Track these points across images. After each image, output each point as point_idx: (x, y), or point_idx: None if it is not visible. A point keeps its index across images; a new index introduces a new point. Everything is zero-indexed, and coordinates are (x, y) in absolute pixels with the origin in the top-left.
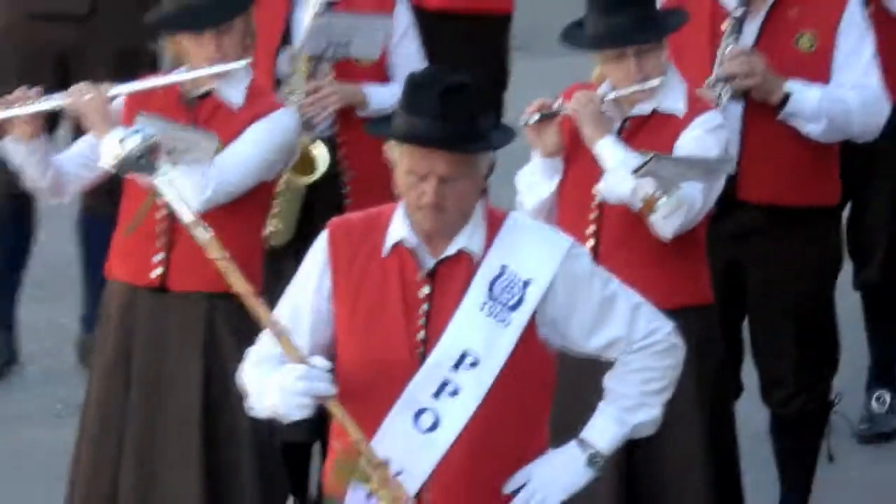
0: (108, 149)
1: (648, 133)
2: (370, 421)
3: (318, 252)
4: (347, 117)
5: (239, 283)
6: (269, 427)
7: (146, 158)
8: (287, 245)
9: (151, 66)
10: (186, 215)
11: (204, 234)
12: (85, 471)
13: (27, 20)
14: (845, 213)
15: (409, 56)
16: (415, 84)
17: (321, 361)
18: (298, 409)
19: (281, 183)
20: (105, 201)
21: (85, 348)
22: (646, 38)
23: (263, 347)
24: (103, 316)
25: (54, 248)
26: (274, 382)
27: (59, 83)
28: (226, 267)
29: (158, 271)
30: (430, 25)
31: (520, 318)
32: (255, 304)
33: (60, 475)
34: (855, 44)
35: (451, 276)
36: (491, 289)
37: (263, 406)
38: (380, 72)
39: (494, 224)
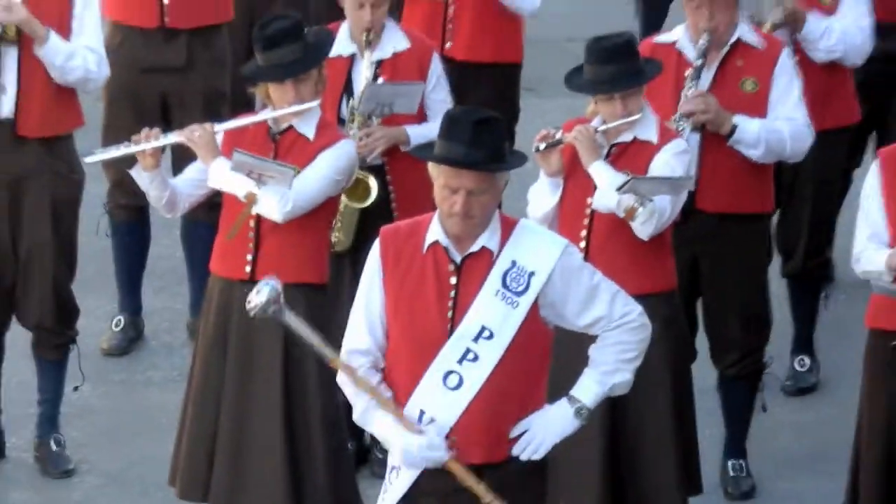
0: (252, 297)
1: (629, 157)
2: (410, 380)
3: (374, 253)
4: (394, 152)
5: (325, 352)
6: (333, 387)
7: (275, 304)
8: (346, 251)
9: (247, 105)
10: (295, 321)
11: (287, 315)
12: (191, 423)
13: (137, 73)
14: (775, 217)
15: (440, 101)
16: (451, 118)
17: (434, 431)
18: (417, 468)
19: (342, 206)
20: (204, 214)
21: (193, 328)
22: (631, 85)
23: (351, 344)
24: (206, 303)
25: (167, 250)
26: (392, 434)
27: (163, 121)
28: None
29: (248, 268)
30: (458, 72)
31: (526, 302)
32: (331, 354)
33: (174, 426)
34: (786, 87)
35: (474, 268)
36: (504, 278)
37: (365, 426)
38: (418, 114)
39: (507, 228)
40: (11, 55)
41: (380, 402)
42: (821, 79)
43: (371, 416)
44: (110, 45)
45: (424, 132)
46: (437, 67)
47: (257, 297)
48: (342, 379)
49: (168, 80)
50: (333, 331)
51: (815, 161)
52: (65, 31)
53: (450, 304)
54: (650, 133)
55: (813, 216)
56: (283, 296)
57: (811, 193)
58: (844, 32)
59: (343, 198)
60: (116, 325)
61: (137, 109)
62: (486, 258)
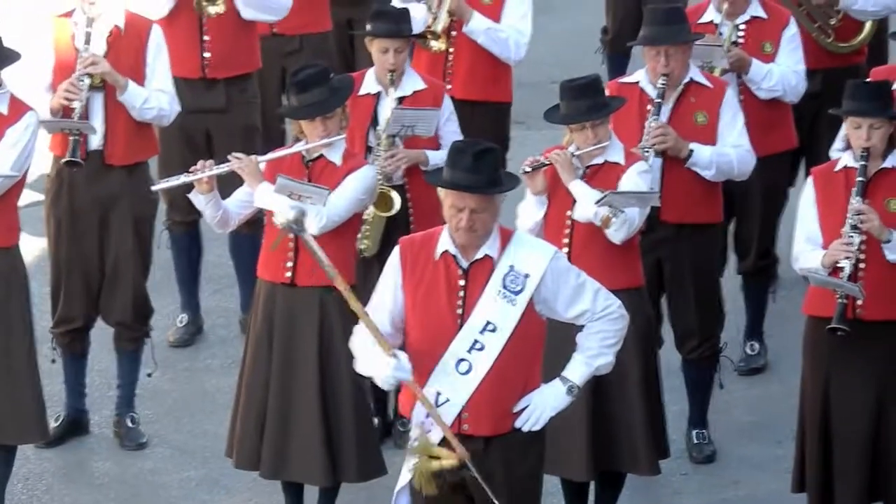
0: (279, 214)
1: (602, 176)
2: (427, 366)
3: (393, 260)
4: (413, 171)
5: (352, 302)
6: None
7: (299, 223)
8: (373, 256)
9: (280, 138)
10: (328, 266)
11: (334, 273)
12: (243, 404)
13: (185, 113)
14: (732, 226)
15: (452, 132)
16: (456, 149)
17: (403, 355)
18: (390, 386)
19: (369, 216)
20: (247, 228)
21: (244, 323)
22: (598, 116)
23: (363, 330)
24: (254, 302)
25: (220, 259)
26: (375, 365)
27: (208, 153)
28: (345, 292)
29: (289, 273)
30: (457, 109)
31: (522, 299)
32: (360, 310)
33: (230, 405)
34: (731, 119)
35: (479, 272)
36: (504, 280)
37: (365, 372)
38: (434, 141)
39: (505, 238)
40: (99, 99)
41: (364, 322)
42: (764, 113)
43: (366, 357)
44: None
45: (440, 155)
46: (448, 104)
47: (284, 216)
48: (353, 337)
49: (211, 120)
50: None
51: (762, 180)
52: (140, 77)
53: (459, 302)
54: (618, 156)
55: (762, 224)
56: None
57: (760, 206)
58: (783, 75)
59: (371, 209)
60: (181, 322)
61: (187, 145)
62: (488, 264)
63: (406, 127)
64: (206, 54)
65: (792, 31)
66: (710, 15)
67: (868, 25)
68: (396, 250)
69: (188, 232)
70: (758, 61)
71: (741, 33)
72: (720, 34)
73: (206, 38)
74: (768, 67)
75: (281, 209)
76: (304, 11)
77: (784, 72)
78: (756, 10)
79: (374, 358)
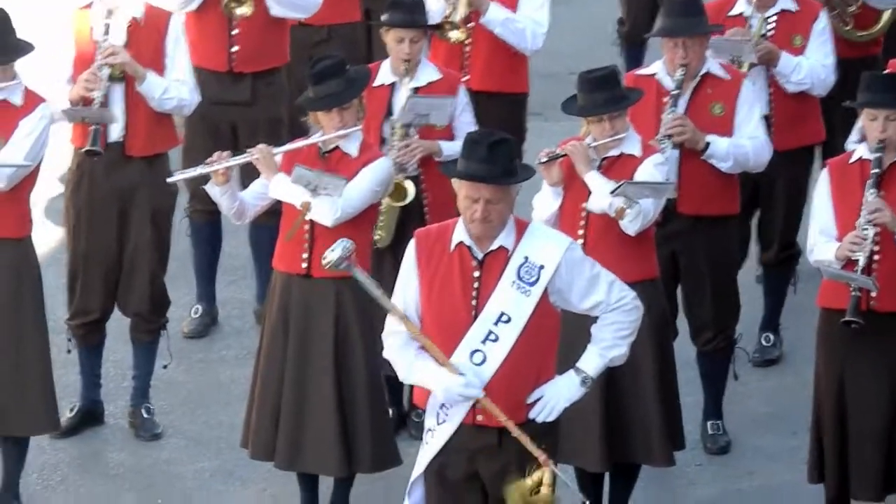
0: (328, 254)
1: (617, 168)
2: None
3: (410, 252)
4: (428, 162)
5: (412, 330)
6: (376, 363)
7: (347, 261)
8: (387, 247)
9: (307, 132)
10: (362, 276)
11: (390, 305)
12: (259, 395)
13: (211, 105)
14: (756, 216)
15: (466, 123)
16: (471, 140)
17: (471, 373)
18: (458, 403)
19: (383, 206)
20: (266, 219)
21: (259, 314)
22: (616, 108)
23: (394, 326)
24: (270, 293)
25: (235, 250)
26: (434, 379)
27: (233, 144)
28: (403, 321)
29: (305, 264)
30: (474, 100)
31: (537, 290)
32: (388, 304)
33: (247, 398)
34: (748, 111)
35: (493, 263)
36: (518, 271)
37: (411, 381)
38: (448, 133)
39: (520, 229)
40: (119, 90)
41: (426, 344)
42: (792, 106)
43: (414, 369)
44: None
45: (454, 146)
46: (463, 95)
47: (332, 254)
48: (388, 348)
49: (236, 112)
50: (376, 314)
51: (788, 172)
52: (160, 67)
53: (473, 293)
54: (634, 148)
55: (786, 216)
56: (353, 254)
57: (784, 198)
58: (812, 68)
59: (385, 199)
60: (195, 313)
61: (212, 136)
62: (503, 255)
63: (420, 116)
64: (234, 48)
65: (822, 24)
66: (741, 7)
67: (886, 15)
68: (412, 243)
69: (210, 221)
70: (787, 54)
71: (771, 26)
72: (750, 27)
73: (234, 32)
74: (797, 60)
75: (330, 250)
76: (333, 2)
77: (813, 65)
78: (786, 2)
79: (433, 373)
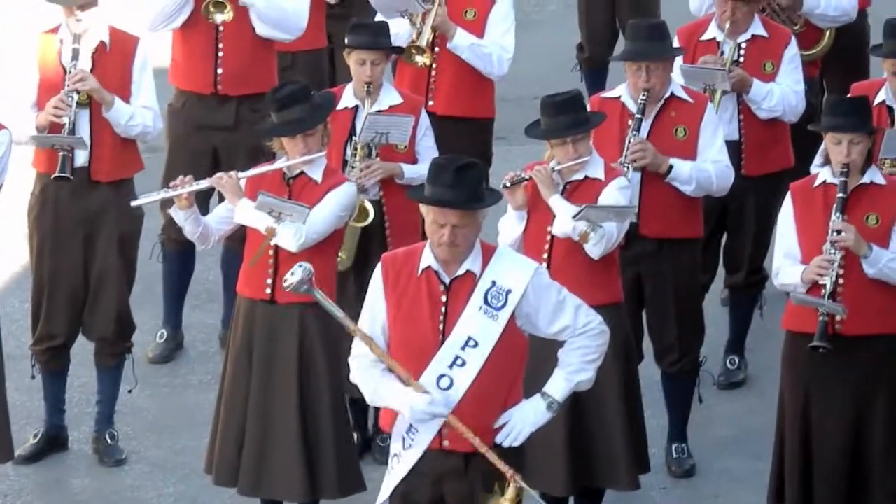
0: (288, 277)
1: (581, 192)
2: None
3: (377, 276)
4: (390, 185)
5: (375, 350)
6: (340, 389)
7: (307, 284)
8: (348, 270)
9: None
10: (323, 298)
11: (351, 325)
12: (223, 420)
13: (193, 130)
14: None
15: (427, 147)
16: (438, 165)
17: (438, 393)
18: (423, 423)
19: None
20: (240, 245)
21: (224, 339)
22: (578, 132)
23: (359, 349)
24: (234, 318)
25: (201, 275)
26: (400, 399)
27: (213, 170)
28: (364, 339)
29: (269, 290)
30: (440, 125)
31: (504, 315)
32: (351, 326)
33: (209, 422)
34: (711, 134)
35: (461, 288)
36: (486, 296)
37: (378, 404)
38: (410, 156)
39: (487, 253)
40: (84, 116)
41: (391, 365)
42: (762, 132)
43: (381, 391)
44: (174, 106)
45: (416, 169)
46: (425, 119)
47: (292, 278)
48: (354, 371)
49: (219, 137)
50: (342, 338)
51: (757, 198)
52: (126, 92)
53: (441, 318)
54: (598, 172)
55: (755, 241)
56: (313, 277)
57: (753, 223)
58: (783, 95)
59: None
60: (160, 338)
61: (192, 159)
62: (470, 280)
63: (380, 134)
64: (220, 70)
65: (793, 51)
66: (713, 32)
67: (827, 35)
68: (379, 267)
69: (182, 249)
70: (759, 81)
71: (742, 52)
72: (722, 53)
73: (220, 54)
74: (769, 87)
75: (290, 273)
76: None
77: (785, 91)
78: (757, 28)
79: (399, 393)
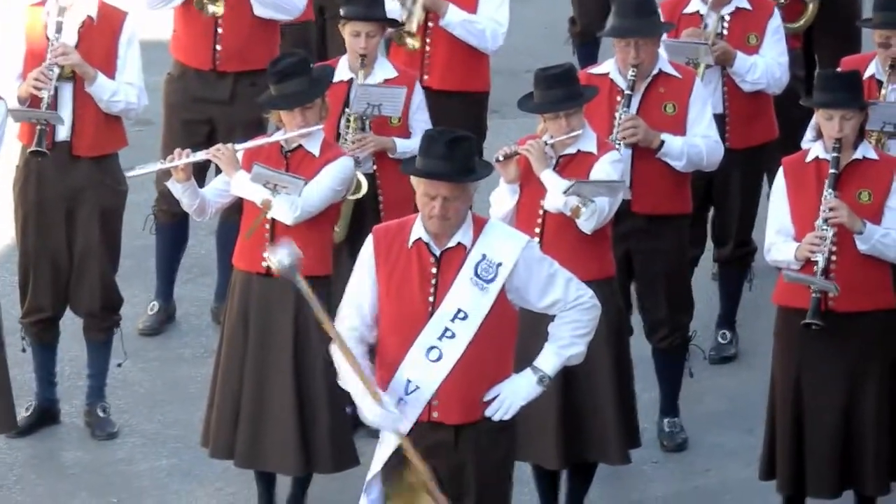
0: (274, 258)
1: (574, 166)
2: (398, 354)
3: (367, 247)
4: (383, 159)
5: (321, 316)
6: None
7: (294, 266)
8: (341, 243)
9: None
10: (304, 287)
11: (325, 319)
12: (219, 393)
13: (189, 101)
14: (711, 214)
15: (421, 121)
16: (429, 138)
17: (388, 399)
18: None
19: None
20: (235, 217)
21: (217, 312)
22: (572, 105)
23: (340, 325)
24: (230, 291)
25: (194, 248)
26: (361, 399)
27: (208, 143)
28: (335, 338)
29: (265, 263)
30: (435, 100)
31: (494, 288)
32: (329, 326)
33: (203, 397)
34: (700, 110)
35: (451, 260)
36: (476, 268)
37: (345, 387)
38: (403, 130)
39: (478, 226)
40: (68, 89)
41: (355, 370)
42: (746, 104)
43: (347, 381)
44: (173, 75)
45: (408, 143)
46: (419, 93)
47: (285, 260)
48: (333, 348)
49: (216, 110)
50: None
51: (742, 170)
52: (111, 68)
53: (431, 290)
54: (590, 146)
55: (741, 215)
56: (300, 259)
57: (739, 196)
58: (767, 67)
59: None
60: (152, 310)
61: (188, 131)
62: (460, 252)
63: (372, 105)
64: (219, 47)
65: (777, 23)
66: (696, 5)
67: (811, 7)
68: (370, 239)
69: (175, 221)
70: (742, 54)
71: (726, 24)
72: (705, 25)
73: (220, 30)
74: (753, 60)
75: (277, 254)
76: None
77: (769, 63)
78: (741, 0)
79: (360, 393)
